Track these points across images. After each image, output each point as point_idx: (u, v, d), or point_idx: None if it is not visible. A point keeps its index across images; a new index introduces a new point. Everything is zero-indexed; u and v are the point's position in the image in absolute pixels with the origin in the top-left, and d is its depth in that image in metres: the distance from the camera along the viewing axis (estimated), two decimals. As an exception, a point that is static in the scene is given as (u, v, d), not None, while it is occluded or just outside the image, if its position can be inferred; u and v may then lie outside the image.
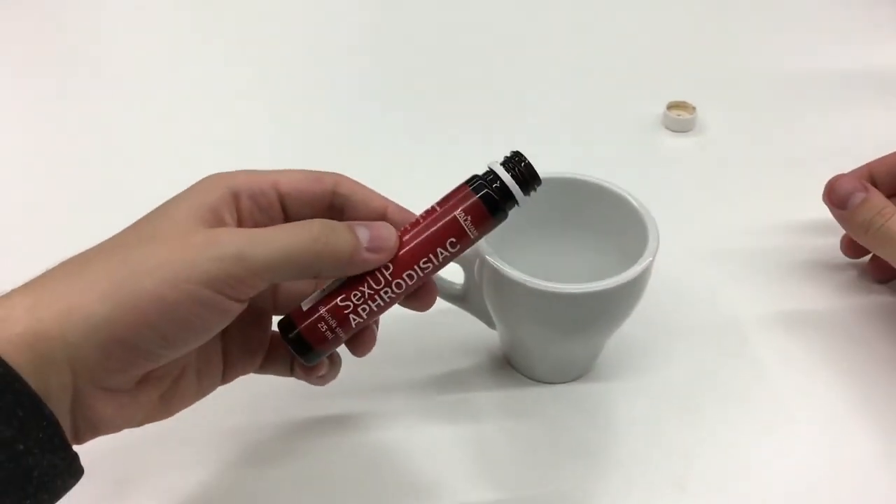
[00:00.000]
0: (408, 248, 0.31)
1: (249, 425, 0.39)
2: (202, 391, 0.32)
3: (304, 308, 0.31)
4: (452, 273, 0.39)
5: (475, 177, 0.32)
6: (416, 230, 0.31)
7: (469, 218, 0.31)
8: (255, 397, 0.40)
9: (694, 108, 0.61)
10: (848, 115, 0.62)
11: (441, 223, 0.31)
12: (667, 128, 0.61)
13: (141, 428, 0.30)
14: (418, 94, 0.66)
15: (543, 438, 0.38)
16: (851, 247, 0.47)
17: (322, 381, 0.34)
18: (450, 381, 0.41)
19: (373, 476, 0.37)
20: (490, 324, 0.41)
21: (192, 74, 0.70)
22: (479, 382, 0.41)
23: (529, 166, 0.32)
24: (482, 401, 0.40)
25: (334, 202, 0.32)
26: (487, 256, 0.35)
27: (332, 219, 0.30)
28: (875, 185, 0.45)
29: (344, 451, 0.38)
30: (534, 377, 0.41)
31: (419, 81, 0.68)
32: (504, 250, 0.38)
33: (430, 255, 0.31)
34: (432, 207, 0.32)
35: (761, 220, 0.51)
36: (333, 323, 0.30)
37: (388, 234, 0.30)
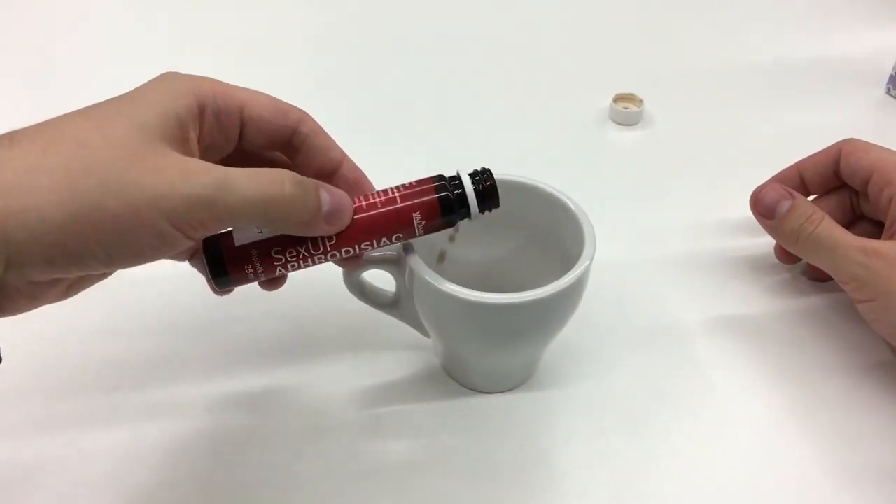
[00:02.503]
0: (356, 227, 0.31)
1: (178, 441, 0.37)
2: (105, 276, 0.31)
3: (237, 243, 0.31)
4: (383, 281, 0.37)
5: (441, 177, 0.32)
6: (369, 213, 0.31)
7: (421, 217, 0.31)
8: (179, 413, 0.38)
9: (641, 101, 0.60)
10: (800, 108, 0.61)
11: (395, 216, 0.31)
12: (613, 121, 0.60)
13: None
14: (359, 86, 0.64)
15: (480, 451, 0.37)
16: (785, 254, 0.46)
17: (223, 293, 0.33)
18: (382, 393, 0.39)
19: (302, 495, 0.35)
20: (423, 332, 0.39)
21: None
22: (414, 393, 0.39)
23: (493, 188, 0.32)
24: (417, 412, 0.38)
25: (293, 140, 0.32)
26: (417, 267, 0.33)
27: (286, 155, 0.32)
28: (805, 184, 0.45)
29: (273, 468, 0.36)
30: (471, 387, 0.39)
31: (361, 73, 0.65)
32: (436, 256, 0.36)
33: (374, 240, 0.32)
34: (392, 194, 0.32)
35: (708, 218, 0.50)
36: (260, 269, 0.31)
37: (347, 206, 0.31)
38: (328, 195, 0.30)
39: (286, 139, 0.32)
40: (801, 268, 0.47)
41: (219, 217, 0.27)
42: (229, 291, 0.32)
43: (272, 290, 0.33)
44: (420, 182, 0.32)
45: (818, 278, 0.46)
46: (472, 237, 0.39)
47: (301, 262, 0.31)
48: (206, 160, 0.28)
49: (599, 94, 0.61)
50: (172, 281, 0.45)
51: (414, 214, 0.31)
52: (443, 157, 0.52)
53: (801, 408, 0.39)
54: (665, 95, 0.62)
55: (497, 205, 0.33)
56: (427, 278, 0.33)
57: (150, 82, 0.29)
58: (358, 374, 0.40)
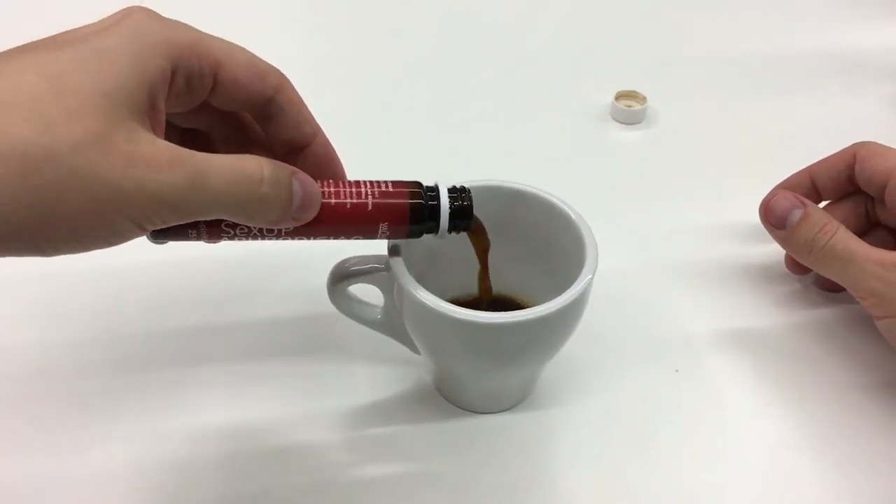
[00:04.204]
0: (318, 219, 0.28)
1: (153, 461, 0.35)
2: None
3: None
4: (370, 294, 0.35)
5: (418, 184, 0.30)
6: (337, 209, 0.29)
7: (388, 225, 0.30)
8: (153, 433, 0.35)
9: (644, 99, 0.58)
10: (809, 105, 0.59)
11: (362, 218, 0.29)
12: (615, 119, 0.58)
13: None
14: (351, 78, 0.61)
15: (475, 475, 0.35)
16: (795, 265, 0.44)
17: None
18: (370, 412, 0.37)
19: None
20: (414, 349, 0.36)
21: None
22: (404, 413, 0.37)
23: (469, 209, 0.31)
24: (408, 434, 0.36)
25: (267, 108, 0.30)
26: (406, 284, 0.31)
27: (256, 119, 0.30)
28: (816, 189, 0.42)
29: (253, 490, 0.34)
30: (465, 407, 0.37)
31: (353, 64, 0.63)
32: (428, 268, 0.34)
33: (332, 235, 0.30)
34: (364, 191, 0.29)
35: (715, 222, 0.48)
36: (205, 235, 0.28)
37: (316, 202, 0.28)
38: (300, 188, 0.27)
39: (259, 105, 0.30)
40: (812, 277, 0.45)
41: (183, 216, 0.25)
42: (163, 243, 0.29)
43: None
44: (396, 184, 0.30)
45: (831, 289, 0.43)
46: (464, 247, 0.36)
47: (250, 237, 0.29)
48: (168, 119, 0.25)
49: (600, 91, 0.59)
50: (155, 292, 0.43)
51: (381, 223, 0.29)
52: (433, 157, 0.49)
53: (813, 427, 0.37)
54: (670, 92, 0.59)
55: (468, 228, 0.32)
56: (417, 295, 0.30)
57: (116, 25, 0.25)
58: (344, 392, 0.38)
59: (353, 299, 0.35)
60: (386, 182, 0.30)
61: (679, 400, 0.38)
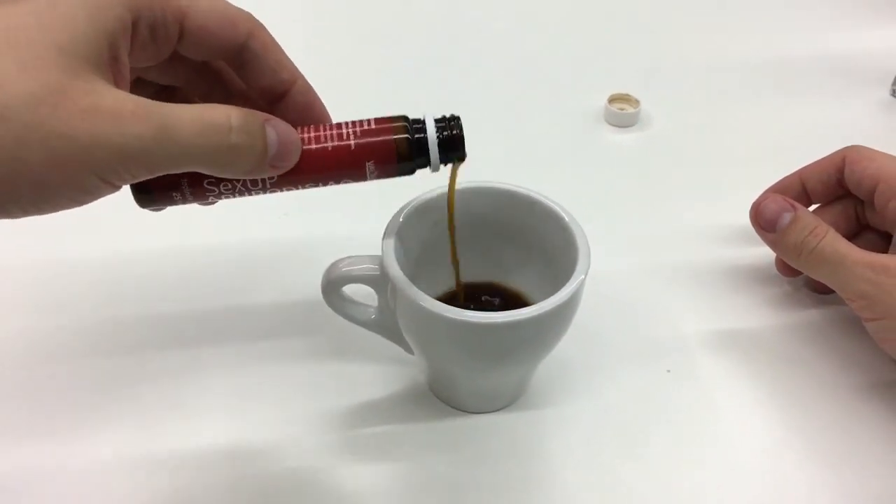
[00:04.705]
0: (301, 167, 0.27)
1: (142, 463, 0.35)
2: None
3: None
4: (364, 295, 0.35)
5: (404, 118, 0.29)
6: (318, 153, 0.28)
7: (375, 164, 0.28)
8: (143, 435, 0.36)
9: (638, 102, 0.58)
10: (802, 108, 0.60)
11: (346, 159, 0.28)
12: (608, 123, 0.58)
13: None
14: (348, 78, 0.61)
15: (467, 475, 0.35)
16: (786, 267, 0.44)
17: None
18: (364, 413, 0.37)
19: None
20: (407, 349, 0.37)
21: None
22: (397, 413, 0.37)
23: (460, 137, 0.29)
24: (400, 434, 0.36)
25: (241, 54, 0.29)
26: (400, 283, 0.31)
27: (231, 66, 0.29)
28: (807, 193, 0.43)
29: (245, 491, 0.34)
30: (458, 406, 0.37)
31: (351, 65, 0.63)
32: (421, 267, 0.34)
33: (319, 181, 0.28)
34: (345, 131, 0.28)
35: (707, 225, 0.48)
36: (189, 196, 0.28)
37: (294, 149, 0.27)
38: (275, 135, 0.26)
39: (231, 54, 0.28)
40: (802, 280, 0.45)
41: (153, 169, 0.24)
42: (153, 209, 0.29)
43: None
44: (379, 121, 0.29)
45: (821, 291, 0.44)
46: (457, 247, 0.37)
47: (235, 193, 0.28)
48: (135, 73, 0.25)
49: (593, 94, 0.59)
50: (151, 289, 0.43)
51: (367, 161, 0.28)
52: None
53: (804, 428, 0.37)
54: (663, 96, 0.60)
55: (463, 157, 0.30)
56: (410, 294, 0.31)
57: None
58: (338, 392, 0.38)
59: (346, 300, 0.36)
60: (369, 120, 0.29)
61: (671, 400, 0.38)
